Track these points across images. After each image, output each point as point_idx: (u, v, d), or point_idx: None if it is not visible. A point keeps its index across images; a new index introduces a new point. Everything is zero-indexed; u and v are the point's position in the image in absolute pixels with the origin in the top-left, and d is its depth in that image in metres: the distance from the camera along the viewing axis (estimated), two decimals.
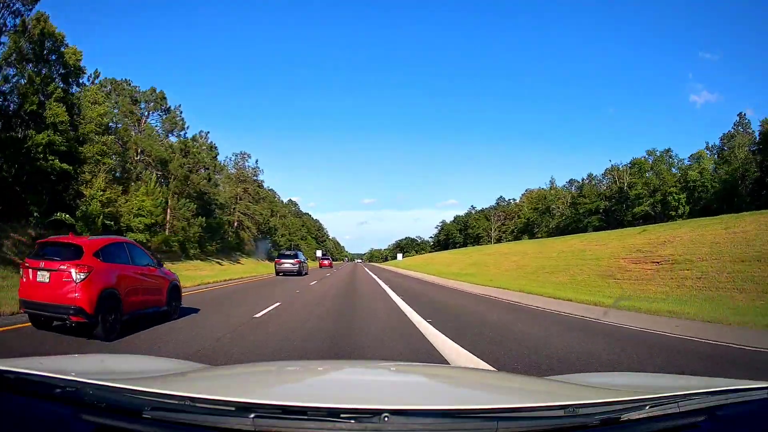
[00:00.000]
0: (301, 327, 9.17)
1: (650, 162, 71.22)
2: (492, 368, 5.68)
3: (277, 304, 12.95)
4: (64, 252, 7.38)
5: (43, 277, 7.13)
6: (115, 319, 7.40)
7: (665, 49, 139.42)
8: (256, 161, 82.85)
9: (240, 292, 17.63)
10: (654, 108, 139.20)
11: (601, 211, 73.28)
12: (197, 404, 1.32)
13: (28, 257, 7.90)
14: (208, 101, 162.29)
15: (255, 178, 73.81)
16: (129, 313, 7.93)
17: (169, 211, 42.49)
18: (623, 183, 71.86)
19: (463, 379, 2.57)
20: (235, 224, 66.23)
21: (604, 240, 33.78)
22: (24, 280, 7.34)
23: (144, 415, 1.32)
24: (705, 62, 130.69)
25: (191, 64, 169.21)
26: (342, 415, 1.27)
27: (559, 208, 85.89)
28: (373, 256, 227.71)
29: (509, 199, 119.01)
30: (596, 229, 64.19)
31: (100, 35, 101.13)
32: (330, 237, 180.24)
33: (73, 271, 7.01)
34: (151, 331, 8.09)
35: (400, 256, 67.85)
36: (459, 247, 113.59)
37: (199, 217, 45.21)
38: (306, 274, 32.17)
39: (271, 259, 65.88)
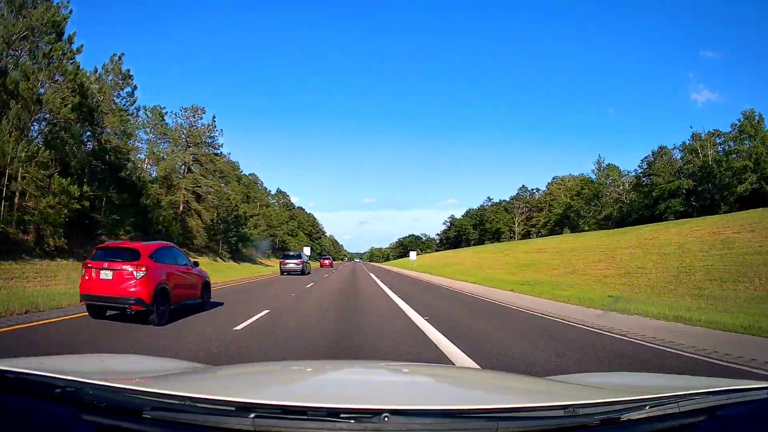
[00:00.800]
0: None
1: (748, 125, 55.34)
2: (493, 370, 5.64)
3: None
4: (124, 254, 8.86)
5: (107, 275, 8.55)
6: (165, 308, 8.99)
7: (666, 48, 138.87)
8: (213, 118, 51.70)
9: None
10: (655, 107, 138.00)
11: (683, 192, 58.47)
12: (197, 404, 1.32)
13: (89, 259, 9.08)
14: (206, 100, 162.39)
15: (210, 139, 50.15)
16: (174, 303, 9.49)
17: (14, 168, 21.12)
18: (706, 156, 57.73)
19: (463, 379, 2.56)
20: (181, 207, 45.68)
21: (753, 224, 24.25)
22: (86, 278, 8.67)
23: (144, 415, 1.32)
24: (707, 61, 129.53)
25: (188, 61, 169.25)
26: (342, 415, 1.27)
27: (613, 193, 70.17)
28: (374, 256, 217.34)
29: (533, 189, 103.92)
30: (681, 215, 51.65)
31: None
32: (327, 235, 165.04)
33: (134, 270, 8.54)
34: (191, 319, 9.76)
35: (413, 254, 57.20)
36: (475, 245, 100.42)
37: (57, 178, 22.36)
38: (309, 273, 34.31)
39: (242, 260, 54.56)
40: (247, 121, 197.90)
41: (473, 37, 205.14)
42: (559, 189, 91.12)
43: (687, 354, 7.30)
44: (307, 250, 64.58)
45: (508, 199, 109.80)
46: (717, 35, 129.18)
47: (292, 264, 33.19)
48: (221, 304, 12.67)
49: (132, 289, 8.40)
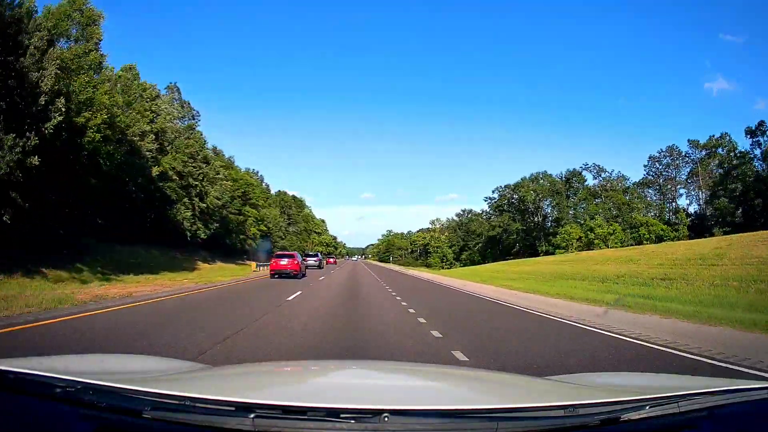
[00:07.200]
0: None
1: None
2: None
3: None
4: (289, 255, 27.93)
5: (284, 262, 26.60)
6: (302, 273, 27.93)
7: (680, 34, 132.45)
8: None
9: None
10: (667, 97, 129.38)
11: None
12: (197, 404, 1.32)
13: (273, 257, 28.94)
14: (202, 95, 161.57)
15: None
16: (302, 273, 28.25)
17: None
18: None
19: (463, 379, 2.56)
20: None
21: None
22: (273, 264, 26.92)
23: (144, 415, 1.32)
24: (726, 45, 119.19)
25: (184, 58, 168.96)
26: (342, 415, 1.28)
27: None
28: (392, 246, 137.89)
29: None
30: None
31: None
32: (313, 215, 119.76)
33: (293, 260, 26.95)
34: (305, 278, 26.24)
35: None
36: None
37: None
38: (322, 267, 48.49)
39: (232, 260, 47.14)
40: (242, 115, 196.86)
41: (475, 31, 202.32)
42: None
43: None
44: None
45: None
46: (739, 18, 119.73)
47: (311, 261, 46.53)
48: (306, 276, 28.40)
49: (295, 267, 26.02)
